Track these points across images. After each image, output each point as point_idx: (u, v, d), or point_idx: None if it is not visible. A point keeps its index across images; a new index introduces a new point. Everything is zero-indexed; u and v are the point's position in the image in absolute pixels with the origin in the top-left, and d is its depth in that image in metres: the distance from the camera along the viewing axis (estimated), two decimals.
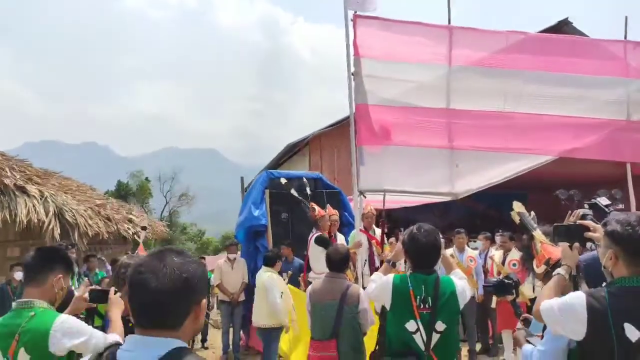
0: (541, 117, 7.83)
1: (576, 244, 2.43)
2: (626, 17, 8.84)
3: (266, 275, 5.15)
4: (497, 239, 7.22)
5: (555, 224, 2.56)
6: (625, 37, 8.73)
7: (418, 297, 2.85)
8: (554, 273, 2.46)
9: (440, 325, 2.91)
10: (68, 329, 2.43)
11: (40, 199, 6.46)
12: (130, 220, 8.38)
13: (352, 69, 7.41)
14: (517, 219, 3.00)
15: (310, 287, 4.01)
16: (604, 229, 2.23)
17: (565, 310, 2.15)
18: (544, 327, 2.65)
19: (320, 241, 5.39)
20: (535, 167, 8.11)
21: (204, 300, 1.44)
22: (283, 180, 6.64)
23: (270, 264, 5.34)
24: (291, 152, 14.38)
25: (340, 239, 6.02)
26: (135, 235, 7.85)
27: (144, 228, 7.61)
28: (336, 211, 6.02)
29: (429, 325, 2.87)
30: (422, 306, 2.86)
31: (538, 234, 2.87)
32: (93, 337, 2.47)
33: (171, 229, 44.64)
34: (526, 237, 3.03)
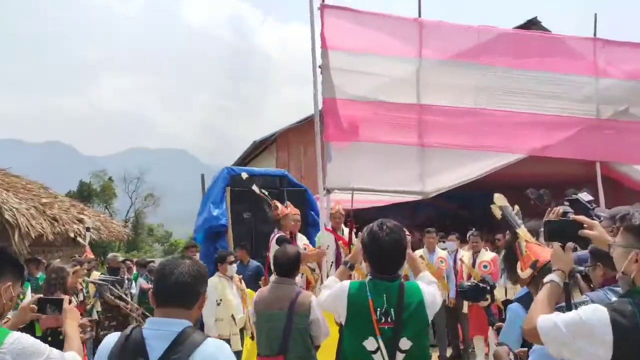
0: (512, 115, 7.67)
1: (569, 244, 2.04)
2: (595, 15, 8.78)
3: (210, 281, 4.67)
4: (470, 238, 6.98)
5: (545, 220, 2.20)
6: (595, 35, 8.68)
7: (378, 309, 2.40)
8: (545, 280, 2.04)
9: (405, 343, 2.41)
10: (21, 350, 1.93)
11: None
12: (80, 221, 7.81)
13: (319, 62, 7.11)
14: (498, 214, 2.62)
15: (255, 295, 3.50)
16: (624, 224, 1.83)
17: (580, 330, 1.72)
18: (526, 344, 2.33)
19: (282, 242, 5.00)
20: (507, 165, 7.96)
21: (206, 294, 1.95)
22: (244, 175, 6.22)
23: (216, 265, 4.78)
24: (258, 149, 14.00)
25: (301, 239, 5.65)
26: (79, 237, 7.29)
27: (87, 229, 7.09)
28: (297, 210, 5.65)
29: (392, 343, 2.39)
30: (383, 320, 2.40)
31: (523, 231, 2.49)
32: (50, 359, 1.99)
33: (137, 231, 43.51)
34: (509, 234, 2.64)
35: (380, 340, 2.37)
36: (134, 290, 7.93)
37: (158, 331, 1.78)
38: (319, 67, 7.46)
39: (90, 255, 6.72)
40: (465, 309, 5.97)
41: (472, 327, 5.81)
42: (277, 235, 5.10)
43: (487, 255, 5.96)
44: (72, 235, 7.08)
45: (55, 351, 2.04)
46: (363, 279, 2.74)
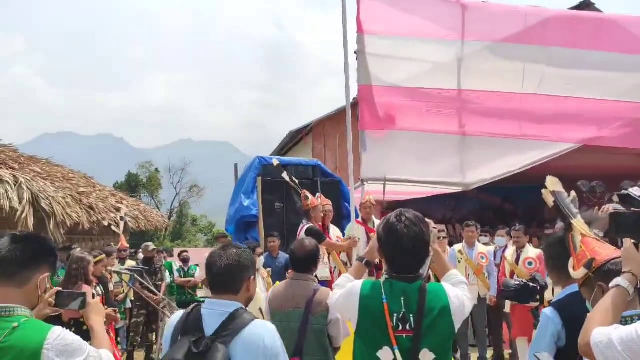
0: (563, 100, 7.12)
1: None
2: None
3: None
4: (512, 233, 6.49)
5: (612, 212, 1.81)
6: None
7: (395, 314, 2.04)
8: (611, 284, 1.66)
9: (426, 355, 2.04)
10: (64, 347, 1.81)
11: (15, 185, 5.94)
12: (118, 210, 7.86)
13: (353, 47, 6.82)
14: (550, 201, 2.15)
15: (270, 291, 3.22)
16: None
17: (635, 349, 1.43)
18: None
19: (311, 233, 4.78)
20: (555, 156, 7.37)
21: (254, 277, 2.17)
22: (275, 162, 6.02)
23: None
24: (294, 140, 13.81)
25: (334, 231, 5.41)
26: (113, 226, 7.32)
27: (122, 218, 7.10)
28: (329, 201, 5.40)
29: (410, 354, 2.03)
30: (400, 327, 2.04)
31: (579, 222, 2.04)
32: (90, 357, 1.88)
33: (181, 221, 44.47)
34: (562, 226, 2.19)
35: (396, 351, 2.02)
36: (168, 280, 7.94)
37: (213, 310, 2.02)
38: (355, 52, 7.20)
39: (125, 244, 6.74)
40: (507, 308, 5.54)
41: (515, 327, 5.36)
42: (306, 226, 4.89)
43: (532, 251, 5.44)
44: (106, 223, 7.13)
45: (91, 349, 1.90)
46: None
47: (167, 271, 7.83)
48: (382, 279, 2.14)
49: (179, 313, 2.15)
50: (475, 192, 9.25)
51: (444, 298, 2.07)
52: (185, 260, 8.97)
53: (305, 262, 3.03)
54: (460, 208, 12.24)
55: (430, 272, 4.81)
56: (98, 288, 4.47)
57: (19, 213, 5.81)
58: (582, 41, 7.20)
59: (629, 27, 7.56)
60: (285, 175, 5.70)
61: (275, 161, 6.02)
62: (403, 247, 2.10)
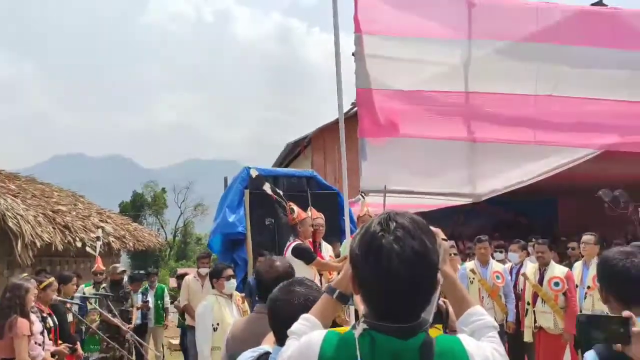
0: (580, 102, 6.52)
1: None
2: None
3: (203, 302, 3.77)
4: (530, 249, 5.75)
5: None
6: None
7: None
8: None
9: None
10: None
11: None
12: (97, 229, 7.23)
13: (346, 48, 6.31)
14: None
15: (229, 329, 2.42)
16: None
17: None
18: None
19: (299, 252, 4.15)
20: (573, 164, 6.70)
21: None
22: (254, 173, 5.42)
23: (211, 281, 3.86)
24: (293, 152, 13.26)
25: (326, 249, 4.77)
26: (89, 248, 6.67)
27: (98, 238, 6.49)
28: (321, 214, 4.79)
29: None
30: None
31: None
32: None
33: (186, 240, 43.89)
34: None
35: None
36: (152, 305, 7.29)
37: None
38: (352, 54, 6.66)
39: (102, 266, 6.14)
40: (528, 337, 4.75)
41: (542, 358, 4.59)
42: (293, 244, 4.26)
43: (558, 269, 4.66)
44: (80, 244, 6.52)
45: None
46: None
47: (143, 295, 7.16)
48: (358, 330, 1.19)
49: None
50: (484, 205, 8.60)
51: None
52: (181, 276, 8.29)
53: (273, 289, 2.04)
54: (469, 223, 11.51)
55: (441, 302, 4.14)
56: (50, 319, 3.84)
57: None
58: (601, 38, 6.63)
59: None
60: (266, 187, 5.10)
61: (254, 172, 5.42)
62: (393, 277, 1.14)
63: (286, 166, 12.92)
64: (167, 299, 8.29)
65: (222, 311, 3.62)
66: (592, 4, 11.60)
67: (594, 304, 4.29)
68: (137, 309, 6.78)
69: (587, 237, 4.83)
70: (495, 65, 6.54)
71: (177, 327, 8.61)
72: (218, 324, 3.59)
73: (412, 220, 1.21)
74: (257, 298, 2.35)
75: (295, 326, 1.38)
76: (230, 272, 3.76)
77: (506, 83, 6.51)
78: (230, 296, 3.80)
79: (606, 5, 11.77)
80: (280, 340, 1.63)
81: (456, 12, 6.60)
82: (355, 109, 7.07)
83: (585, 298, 4.56)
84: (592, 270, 4.44)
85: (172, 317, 9.38)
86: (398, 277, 1.13)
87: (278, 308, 1.72)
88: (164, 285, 8.72)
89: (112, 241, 7.84)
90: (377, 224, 1.19)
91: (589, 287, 4.52)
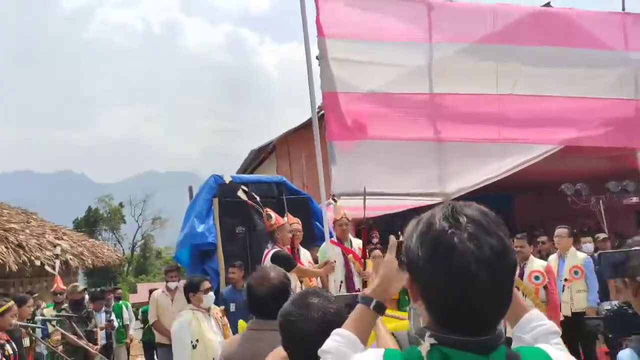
0: (540, 100, 6.72)
1: None
2: None
3: (179, 318, 3.57)
4: (514, 242, 5.85)
5: None
6: (623, 10, 7.76)
7: None
8: None
9: None
10: None
11: None
12: (55, 247, 6.86)
13: (316, 52, 6.25)
14: None
15: (222, 350, 2.21)
16: None
17: None
18: None
19: (278, 259, 4.02)
20: (535, 160, 6.90)
21: None
22: (227, 178, 5.26)
23: (187, 295, 3.70)
24: (257, 159, 13.10)
25: (304, 255, 4.67)
26: (48, 267, 6.29)
27: (57, 256, 6.13)
28: (298, 219, 4.68)
29: None
30: None
31: None
32: None
33: (145, 254, 42.62)
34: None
35: None
36: (116, 324, 6.96)
37: None
38: (316, 57, 6.62)
39: (62, 286, 5.79)
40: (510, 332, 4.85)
41: None
42: (272, 252, 4.13)
43: (537, 263, 4.73)
44: (38, 263, 6.14)
45: None
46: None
47: (111, 314, 6.83)
48: (424, 346, 1.00)
49: None
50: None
51: None
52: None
53: (270, 303, 1.96)
54: None
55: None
56: (8, 346, 3.56)
57: None
58: (555, 38, 6.86)
59: (601, 22, 7.31)
60: (240, 193, 4.95)
61: (228, 177, 5.27)
62: (470, 283, 0.96)
63: (251, 172, 12.75)
64: (126, 316, 7.95)
65: (201, 326, 3.43)
66: (542, 6, 12.08)
67: (572, 296, 4.36)
68: (101, 329, 6.46)
69: (561, 230, 4.94)
70: (456, 66, 6.64)
71: (141, 340, 8.25)
72: (197, 340, 3.40)
73: (482, 212, 1.02)
74: (251, 314, 2.16)
75: (329, 344, 1.21)
76: (207, 284, 3.58)
77: (468, 83, 6.62)
78: (208, 310, 3.62)
79: (552, 7, 12.30)
80: None
81: (415, 15, 6.68)
82: (322, 112, 7.01)
83: (563, 291, 4.64)
84: (569, 263, 4.54)
85: (135, 334, 9.03)
86: (476, 282, 0.95)
87: (293, 324, 1.53)
88: (121, 303, 8.39)
89: (70, 259, 7.43)
90: (443, 219, 1.00)
91: (566, 280, 4.60)
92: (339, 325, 1.35)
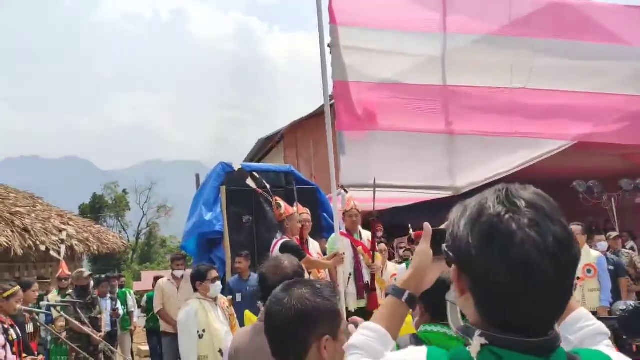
0: (554, 94, 6.59)
1: None
2: None
3: (185, 307, 3.50)
4: None
5: None
6: None
7: None
8: None
9: None
10: None
11: None
12: (61, 232, 6.81)
13: (328, 40, 6.14)
14: None
15: (232, 341, 2.12)
16: None
17: None
18: None
19: (287, 250, 3.95)
20: (548, 155, 6.78)
21: (330, 337, 1.39)
22: (237, 166, 5.19)
23: (194, 284, 3.46)
24: (264, 148, 13.01)
25: (313, 246, 4.59)
26: (53, 252, 6.25)
27: (62, 241, 6.08)
28: (307, 210, 4.60)
29: None
30: None
31: None
32: None
33: (149, 242, 42.74)
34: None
35: None
36: (121, 312, 6.94)
37: None
38: (328, 45, 6.51)
39: (67, 271, 5.75)
40: None
41: None
42: (281, 241, 4.06)
43: None
44: (43, 248, 6.09)
45: None
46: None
47: (116, 302, 6.81)
48: (474, 347, 0.88)
49: None
50: (452, 197, 8.61)
51: None
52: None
53: None
54: (442, 216, 11.52)
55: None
56: (12, 331, 3.51)
57: None
58: (571, 32, 6.71)
59: (618, 15, 7.13)
60: (249, 181, 4.87)
61: (237, 166, 5.19)
62: (531, 275, 0.83)
63: (258, 162, 12.68)
64: (130, 303, 7.95)
65: (207, 316, 3.37)
66: None
67: (584, 295, 4.27)
68: (111, 315, 6.44)
69: (574, 228, 4.85)
70: (470, 58, 6.52)
71: (144, 328, 8.25)
72: (204, 330, 3.34)
73: (542, 196, 0.89)
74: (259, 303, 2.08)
75: (356, 338, 1.10)
76: (215, 273, 3.51)
77: (482, 76, 6.50)
78: (215, 299, 3.55)
79: None
80: (275, 352, 1.41)
81: (431, 5, 6.55)
82: (332, 101, 6.90)
83: (575, 289, 4.56)
84: (582, 261, 4.45)
85: (138, 322, 9.03)
86: (538, 274, 0.82)
87: (270, 309, 1.45)
88: (125, 290, 8.38)
89: (75, 244, 7.40)
90: (498, 203, 0.87)
91: (578, 278, 4.51)
92: (315, 319, 1.34)
